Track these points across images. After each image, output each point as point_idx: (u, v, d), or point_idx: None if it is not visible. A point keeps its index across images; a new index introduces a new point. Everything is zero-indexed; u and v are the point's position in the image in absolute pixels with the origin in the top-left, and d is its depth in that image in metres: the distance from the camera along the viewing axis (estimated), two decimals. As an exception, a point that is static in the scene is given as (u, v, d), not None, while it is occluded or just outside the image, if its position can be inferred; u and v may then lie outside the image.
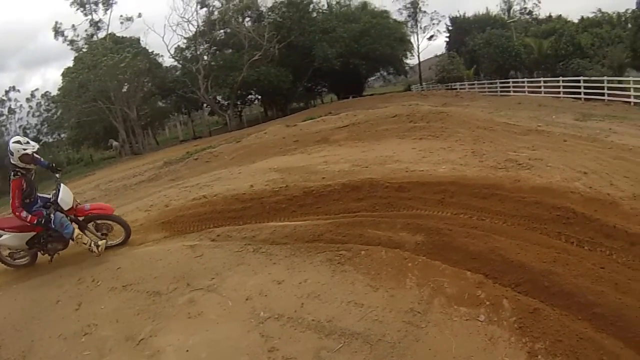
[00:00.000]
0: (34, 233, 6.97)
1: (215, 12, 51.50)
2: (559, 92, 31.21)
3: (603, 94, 26.95)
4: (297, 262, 5.95)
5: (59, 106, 49.07)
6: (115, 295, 5.98)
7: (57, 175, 7.31)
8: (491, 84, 41.99)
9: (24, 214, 6.65)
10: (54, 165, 7.49)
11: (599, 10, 50.16)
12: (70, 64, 49.23)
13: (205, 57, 51.18)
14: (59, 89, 49.66)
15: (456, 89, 46.85)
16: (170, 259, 6.55)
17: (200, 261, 6.36)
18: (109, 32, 48.44)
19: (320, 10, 57.06)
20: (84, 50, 47.81)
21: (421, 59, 65.98)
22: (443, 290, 4.98)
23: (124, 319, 5.43)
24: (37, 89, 53.85)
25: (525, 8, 63.80)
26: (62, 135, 51.43)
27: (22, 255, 7.31)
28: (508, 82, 39.34)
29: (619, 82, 28.21)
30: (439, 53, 65.77)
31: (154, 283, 6.03)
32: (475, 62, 51.91)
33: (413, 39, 63.49)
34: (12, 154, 6.57)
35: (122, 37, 49.28)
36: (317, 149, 13.90)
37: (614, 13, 47.69)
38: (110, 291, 6.08)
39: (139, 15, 50.06)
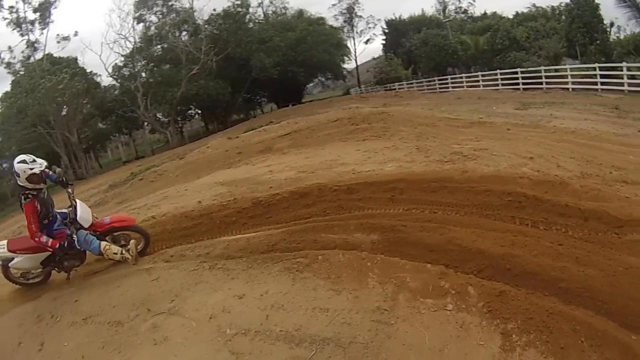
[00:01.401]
0: (48, 253, 6.59)
1: (152, 28, 50.97)
2: (497, 85, 32.24)
3: (541, 83, 28.12)
4: (255, 274, 5.82)
5: (-2, 134, 46.92)
6: (77, 329, 5.72)
7: (70, 190, 6.88)
8: (430, 81, 42.91)
9: (44, 239, 6.24)
10: (64, 179, 7.01)
11: (533, 4, 52.15)
12: (8, 88, 47.19)
13: (143, 74, 50.32)
14: (-3, 116, 47.62)
15: (395, 89, 47.59)
16: (127, 286, 6.30)
17: (158, 284, 6.14)
18: (46, 52, 46.79)
19: (257, 21, 57.24)
20: (22, 73, 45.97)
21: (359, 63, 66.89)
22: (406, 285, 4.97)
23: (89, 354, 5.18)
24: (-25, 117, 51.17)
25: (460, 7, 65.61)
26: (5, 165, 49.14)
27: (36, 274, 6.96)
28: (446, 79, 40.45)
29: (556, 70, 29.26)
30: (376, 56, 66.66)
31: (114, 312, 5.78)
32: (412, 62, 52.63)
33: (350, 44, 64.41)
34: (18, 175, 6.10)
35: (59, 58, 47.53)
36: (261, 159, 13.81)
37: (548, 7, 49.58)
38: (71, 326, 5.80)
39: (76, 34, 48.16)
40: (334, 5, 62.76)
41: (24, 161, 6.16)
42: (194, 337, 4.92)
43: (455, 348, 4.06)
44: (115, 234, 7.06)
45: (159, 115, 52.09)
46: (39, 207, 6.26)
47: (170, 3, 51.16)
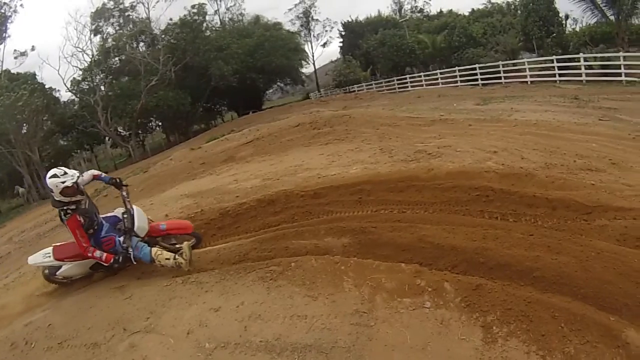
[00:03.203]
0: None
1: (109, 39, 50.34)
2: (456, 82, 32.80)
3: (500, 78, 28.75)
4: (229, 285, 5.71)
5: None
6: (53, 354, 5.49)
7: (124, 193, 6.54)
8: (389, 82, 43.43)
9: (97, 254, 5.96)
10: (118, 180, 6.66)
11: (489, 1, 53.29)
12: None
13: (102, 88, 49.53)
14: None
15: (355, 91, 47.98)
16: (100, 306, 6.10)
17: (131, 302, 5.96)
18: (4, 68, 45.66)
19: (214, 28, 57.17)
20: (-20, 91, 44.78)
21: (317, 66, 67.55)
22: (382, 286, 4.94)
23: (68, 380, 4.98)
24: None
25: (416, 6, 66.71)
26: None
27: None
28: (405, 79, 40.96)
29: (514, 65, 29.90)
30: (334, 58, 67.32)
31: (89, 334, 5.57)
32: (370, 63, 53.21)
33: (307, 48, 64.95)
34: (52, 191, 5.75)
35: (17, 74, 46.13)
36: (225, 169, 13.69)
37: (503, 2, 50.61)
38: (47, 351, 5.57)
39: (33, 49, 47.35)
40: (290, 9, 63.33)
41: (55, 175, 5.79)
42: (173, 355, 4.79)
43: (437, 345, 4.06)
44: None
45: (119, 129, 51.26)
46: (82, 220, 5.92)
47: (126, 14, 50.76)
